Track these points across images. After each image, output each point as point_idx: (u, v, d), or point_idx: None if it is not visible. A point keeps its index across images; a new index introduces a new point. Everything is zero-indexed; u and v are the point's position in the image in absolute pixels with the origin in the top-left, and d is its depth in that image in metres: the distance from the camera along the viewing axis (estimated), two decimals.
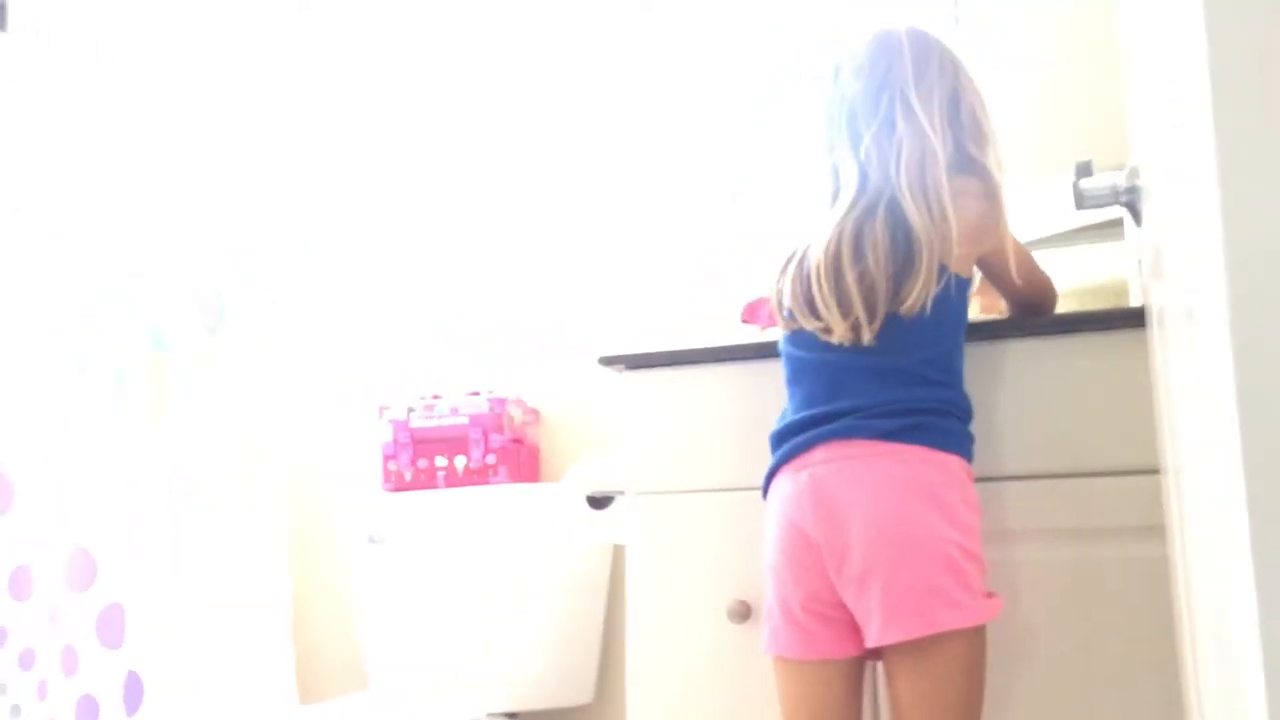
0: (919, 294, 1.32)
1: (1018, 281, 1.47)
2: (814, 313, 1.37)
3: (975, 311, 1.69)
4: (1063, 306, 1.63)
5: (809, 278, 1.37)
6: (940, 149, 1.37)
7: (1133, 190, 1.15)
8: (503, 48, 2.54)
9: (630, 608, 1.65)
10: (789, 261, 1.41)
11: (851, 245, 1.35)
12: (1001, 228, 1.41)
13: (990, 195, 1.40)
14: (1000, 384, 1.48)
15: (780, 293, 1.41)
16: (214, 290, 2.30)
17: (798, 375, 1.42)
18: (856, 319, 1.33)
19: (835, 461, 1.32)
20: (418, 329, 2.53)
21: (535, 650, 2.12)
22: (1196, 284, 0.67)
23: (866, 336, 1.34)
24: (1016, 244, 1.46)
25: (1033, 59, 2.09)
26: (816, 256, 1.37)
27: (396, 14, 2.63)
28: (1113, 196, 1.16)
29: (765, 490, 1.43)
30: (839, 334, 1.35)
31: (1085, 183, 1.14)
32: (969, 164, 1.41)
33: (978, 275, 1.50)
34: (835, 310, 1.34)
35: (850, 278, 1.34)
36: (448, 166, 2.56)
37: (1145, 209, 1.09)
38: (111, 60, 2.21)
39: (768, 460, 1.45)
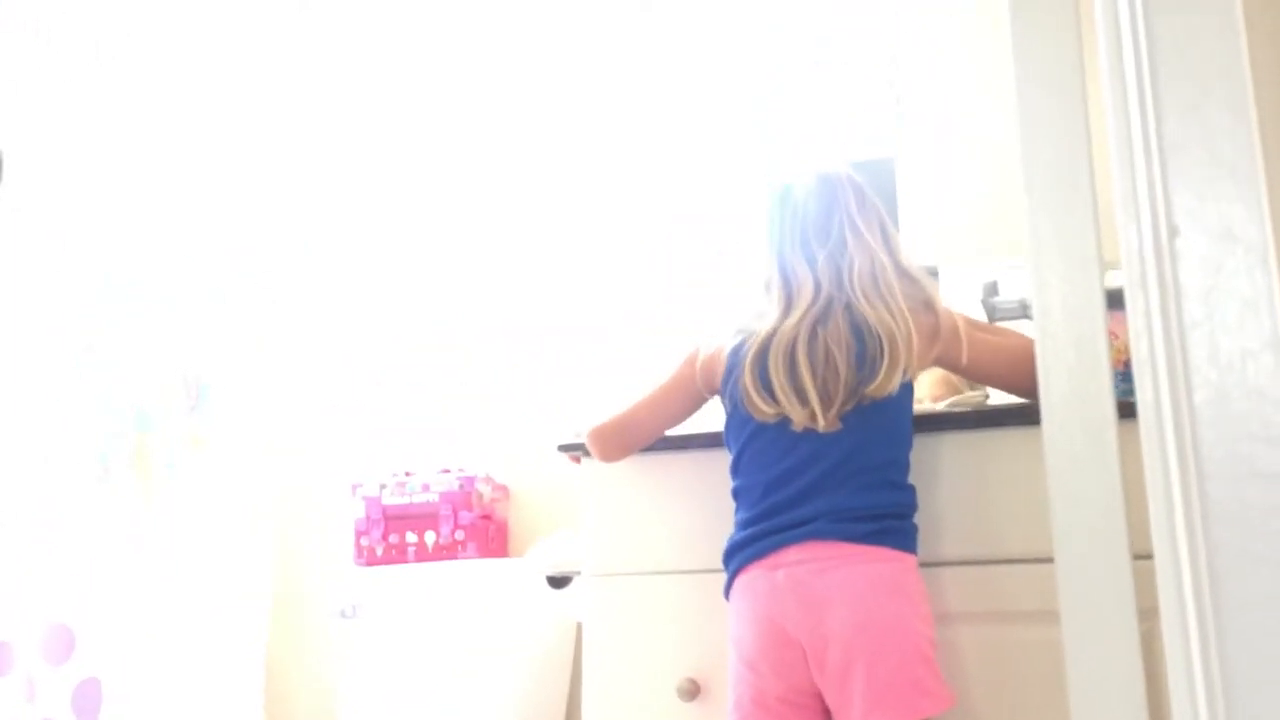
0: (887, 376, 1.43)
1: (993, 368, 1.56)
2: (772, 398, 1.47)
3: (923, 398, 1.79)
4: None
5: (765, 369, 1.48)
6: (887, 262, 1.53)
7: None
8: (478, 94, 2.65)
9: (585, 684, 1.72)
10: (744, 348, 1.52)
11: (806, 343, 1.47)
12: (947, 329, 1.51)
13: (929, 303, 1.53)
14: (937, 473, 1.57)
15: (739, 378, 1.51)
16: (195, 370, 2.38)
17: (758, 462, 1.50)
18: (812, 409, 1.44)
19: (809, 563, 1.42)
20: (391, 406, 2.61)
21: None
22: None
23: (822, 424, 1.44)
24: (973, 333, 1.54)
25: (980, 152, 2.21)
26: (775, 349, 1.48)
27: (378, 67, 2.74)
28: (1022, 310, 1.26)
29: (730, 580, 1.51)
30: (797, 420, 1.45)
31: (995, 300, 1.25)
32: (906, 274, 1.55)
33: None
34: (793, 399, 1.45)
35: (804, 371, 1.45)
36: (421, 241, 2.66)
37: None
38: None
39: (717, 544, 1.54)
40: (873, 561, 1.41)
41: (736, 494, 1.54)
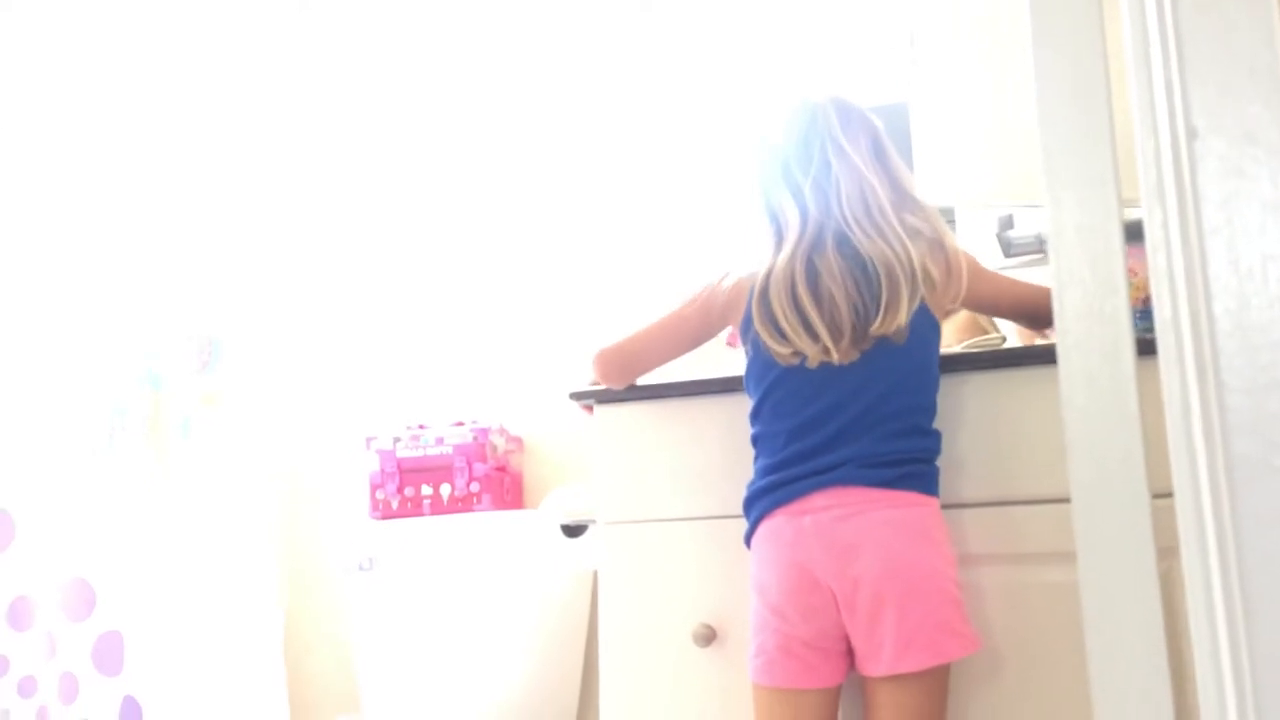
0: (890, 313, 1.41)
1: (1002, 308, 1.57)
2: (782, 337, 1.45)
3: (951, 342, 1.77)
4: None
5: (770, 309, 1.46)
6: (878, 184, 1.48)
7: None
8: (480, 95, 2.63)
9: (602, 633, 1.72)
10: (751, 293, 1.49)
11: (805, 276, 1.44)
12: (960, 281, 1.49)
13: (940, 243, 1.49)
14: (959, 416, 1.55)
15: (751, 322, 1.48)
16: (207, 329, 2.38)
17: (782, 409, 1.48)
18: (824, 344, 1.42)
19: (836, 508, 1.41)
20: (403, 360, 2.61)
21: (519, 674, 2.19)
22: None
23: (836, 356, 1.42)
24: (984, 274, 1.54)
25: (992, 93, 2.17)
26: (774, 289, 1.45)
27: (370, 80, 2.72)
28: (1038, 244, 1.24)
29: (753, 527, 1.49)
30: (812, 356, 1.43)
31: (1009, 234, 1.22)
32: (911, 203, 1.51)
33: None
34: (803, 334, 1.43)
35: (808, 305, 1.43)
36: (434, 198, 2.64)
37: None
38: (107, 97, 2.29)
39: (732, 491, 1.54)
40: (899, 506, 1.40)
41: (757, 440, 1.52)
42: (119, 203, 2.29)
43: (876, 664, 1.39)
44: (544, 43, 2.58)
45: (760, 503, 1.48)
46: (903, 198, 1.50)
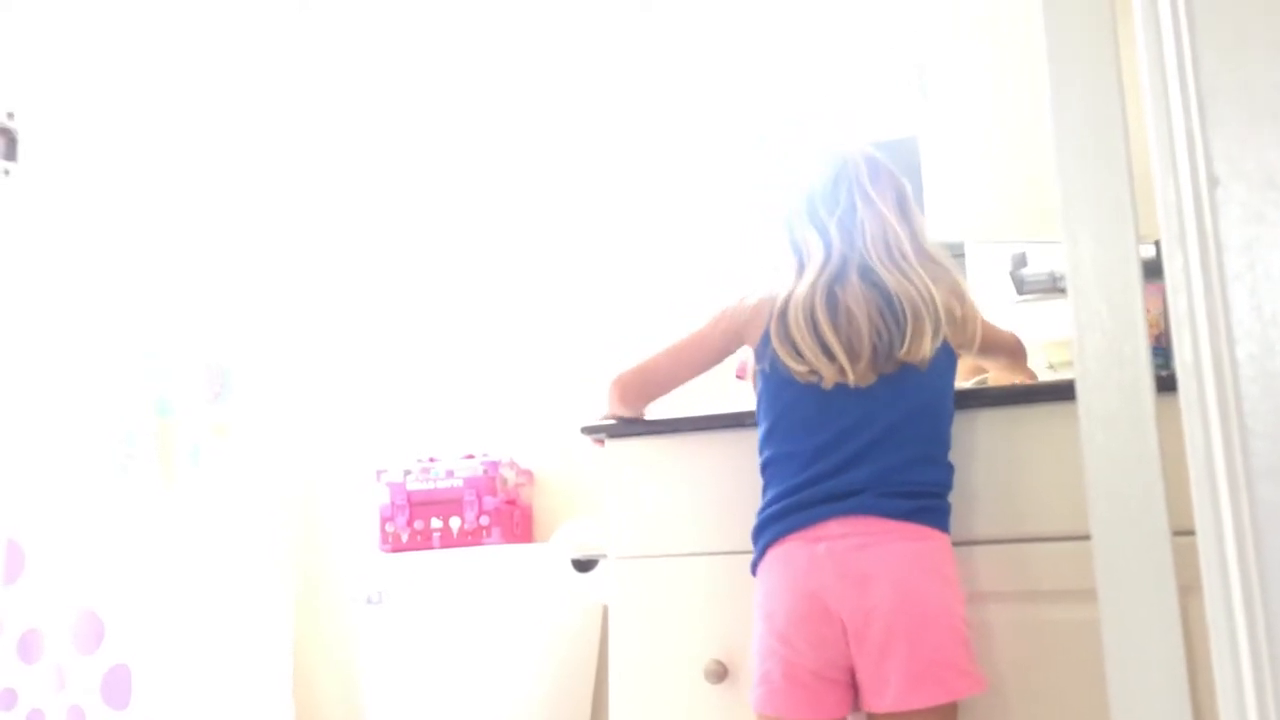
0: (916, 339, 1.43)
1: (1001, 354, 1.65)
2: (799, 355, 1.46)
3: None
4: None
5: (788, 330, 1.47)
6: (901, 232, 1.52)
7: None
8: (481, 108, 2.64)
9: (612, 667, 1.71)
10: (769, 311, 1.51)
11: (824, 302, 1.47)
12: (972, 319, 1.53)
13: (961, 296, 1.52)
14: (971, 452, 1.55)
15: (768, 342, 1.50)
16: (219, 358, 2.39)
17: (801, 429, 1.48)
18: (841, 365, 1.44)
19: (852, 537, 1.40)
20: (414, 393, 2.61)
21: (528, 709, 2.17)
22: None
23: (852, 378, 1.43)
24: (987, 323, 1.59)
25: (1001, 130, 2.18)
26: (793, 312, 1.47)
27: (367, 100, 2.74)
28: (1051, 282, 1.24)
29: (762, 552, 1.48)
30: (827, 377, 1.44)
31: (1023, 272, 1.23)
32: (930, 257, 1.54)
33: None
34: (820, 355, 1.45)
35: (826, 328, 1.45)
36: (447, 231, 2.66)
37: None
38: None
39: (742, 526, 1.53)
40: (913, 539, 1.40)
41: (768, 465, 1.51)
42: (132, 230, 2.30)
43: (881, 699, 1.37)
44: (554, 55, 2.59)
45: (772, 528, 1.47)
46: (922, 249, 1.54)
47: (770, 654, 1.45)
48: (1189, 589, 0.72)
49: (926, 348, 1.43)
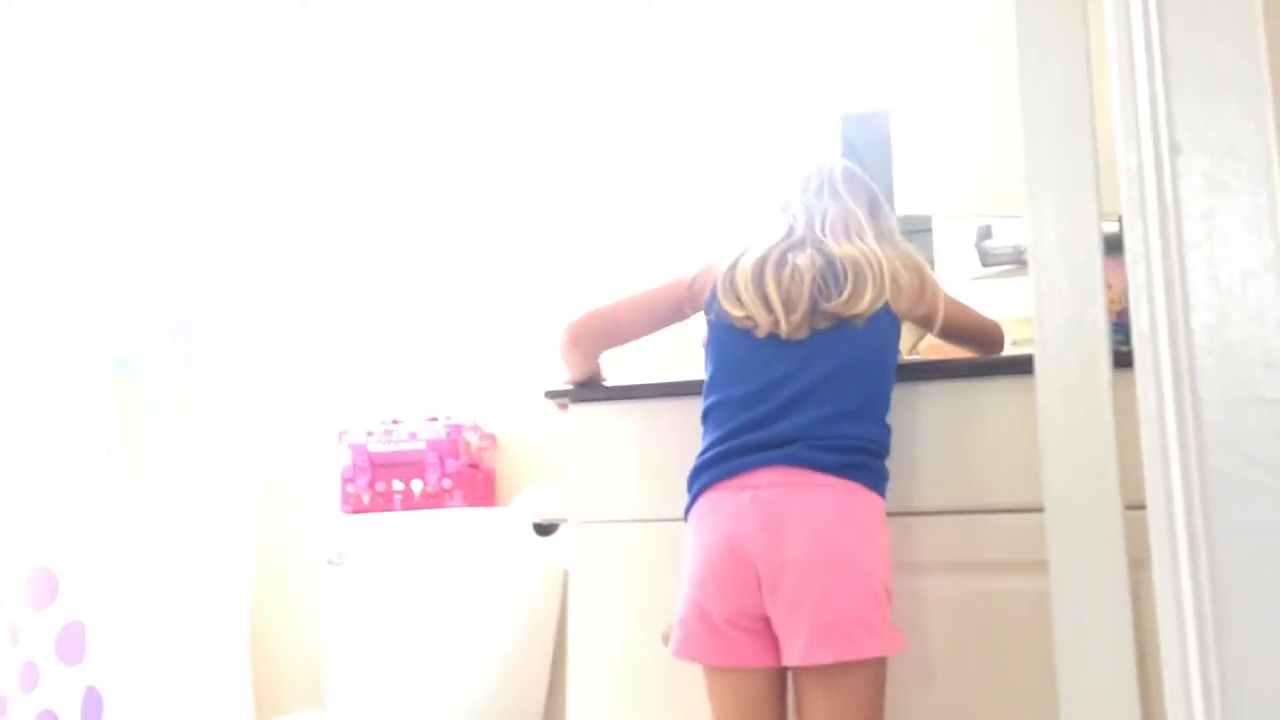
0: (854, 295, 1.46)
1: (958, 334, 1.64)
2: (739, 303, 1.50)
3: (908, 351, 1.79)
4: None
5: (734, 281, 1.51)
6: (865, 223, 1.56)
7: None
8: (468, 97, 2.62)
9: (572, 631, 1.72)
10: (722, 271, 1.55)
11: (775, 264, 1.50)
12: (930, 294, 1.56)
13: (915, 267, 1.56)
14: (916, 422, 1.56)
15: (714, 294, 1.54)
16: (181, 318, 2.36)
17: (735, 375, 1.50)
18: (776, 316, 1.47)
19: (780, 487, 1.41)
20: (377, 354, 2.59)
21: (487, 671, 2.18)
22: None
23: (785, 328, 1.46)
24: (949, 302, 1.59)
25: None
26: (741, 269, 1.51)
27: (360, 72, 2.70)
28: (1015, 255, 1.24)
29: (694, 499, 1.49)
30: (762, 325, 1.47)
31: (988, 244, 1.23)
32: (891, 236, 1.59)
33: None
34: (759, 304, 1.48)
35: (770, 283, 1.48)
36: (413, 194, 2.63)
37: None
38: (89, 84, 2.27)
39: None
40: (843, 494, 1.41)
41: (707, 414, 1.53)
42: (92, 193, 2.26)
43: (792, 652, 1.38)
44: (537, 39, 2.57)
45: (704, 475, 1.48)
46: (885, 233, 1.59)
47: (687, 599, 1.46)
48: (1140, 563, 0.73)
49: (864, 304, 1.45)
